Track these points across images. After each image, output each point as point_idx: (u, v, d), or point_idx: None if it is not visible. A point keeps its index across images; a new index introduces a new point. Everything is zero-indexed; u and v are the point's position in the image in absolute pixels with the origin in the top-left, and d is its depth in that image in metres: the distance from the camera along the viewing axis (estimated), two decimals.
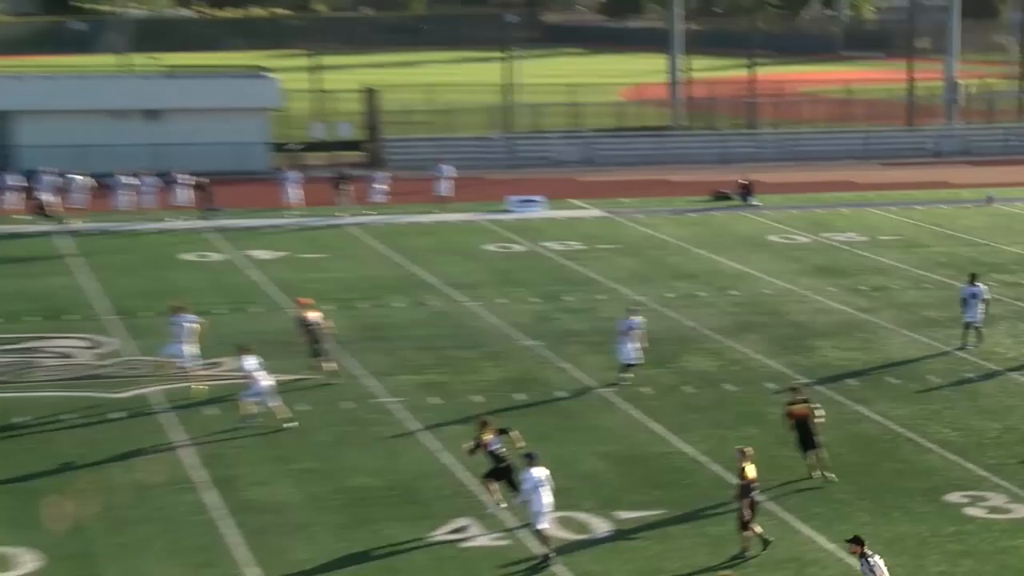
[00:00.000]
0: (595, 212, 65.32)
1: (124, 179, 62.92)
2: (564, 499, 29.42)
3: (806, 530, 27.96)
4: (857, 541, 22.95)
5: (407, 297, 48.18)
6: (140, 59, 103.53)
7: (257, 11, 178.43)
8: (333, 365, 38.63)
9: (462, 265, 53.16)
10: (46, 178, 62.55)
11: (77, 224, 59.90)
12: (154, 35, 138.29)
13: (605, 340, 41.97)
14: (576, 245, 57.18)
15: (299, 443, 33.13)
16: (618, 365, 37.90)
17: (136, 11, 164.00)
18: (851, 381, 38.48)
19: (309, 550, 27.16)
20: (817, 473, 29.93)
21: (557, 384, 38.34)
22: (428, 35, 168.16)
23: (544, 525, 26.13)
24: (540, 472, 26.30)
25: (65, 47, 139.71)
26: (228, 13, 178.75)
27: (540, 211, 64.59)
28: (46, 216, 60.34)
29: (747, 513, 26.27)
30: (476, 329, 44.18)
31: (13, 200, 61.99)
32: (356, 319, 44.94)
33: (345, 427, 34.49)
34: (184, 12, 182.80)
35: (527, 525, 26.69)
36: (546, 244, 57.30)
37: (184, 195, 62.67)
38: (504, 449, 28.79)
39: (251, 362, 34.64)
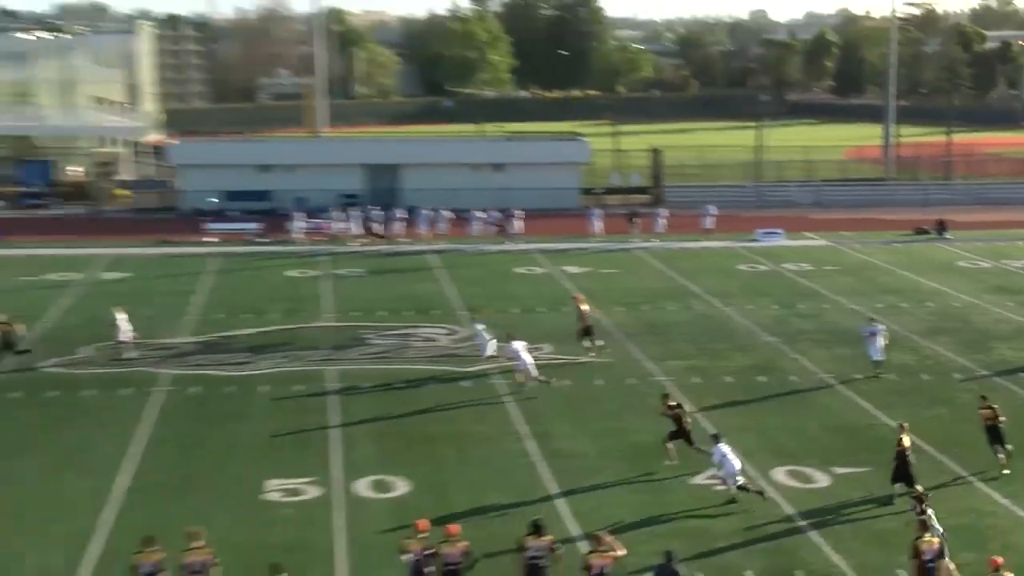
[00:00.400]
0: (822, 242, 63.66)
1: (477, 213, 63.91)
2: (793, 457, 29.12)
3: (984, 488, 26.90)
4: (919, 498, 22.60)
5: (678, 302, 47.62)
6: (490, 127, 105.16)
7: (575, 92, 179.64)
8: (600, 343, 38.96)
9: (720, 280, 52.29)
10: (423, 212, 63.91)
11: (442, 245, 60.93)
12: (501, 110, 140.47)
13: (828, 339, 41.13)
14: (807, 266, 55.75)
15: (595, 408, 33.06)
16: (870, 361, 36.59)
17: (488, 93, 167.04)
18: (1023, 375, 36.64)
19: (601, 486, 27.12)
20: (1007, 469, 28.33)
21: (790, 371, 37.37)
22: (701, 110, 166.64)
23: (741, 480, 25.97)
24: (725, 446, 26.18)
25: (439, 118, 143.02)
26: (554, 94, 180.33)
27: (780, 240, 63.31)
28: (376, 238, 61.78)
29: (897, 472, 25.93)
30: (729, 327, 43.39)
31: (397, 228, 63.40)
32: (639, 318, 44.64)
33: (629, 397, 34.27)
34: (523, 94, 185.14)
35: (723, 481, 26.39)
36: (784, 265, 56.03)
37: (519, 225, 63.21)
38: (686, 416, 28.68)
39: (518, 345, 34.88)
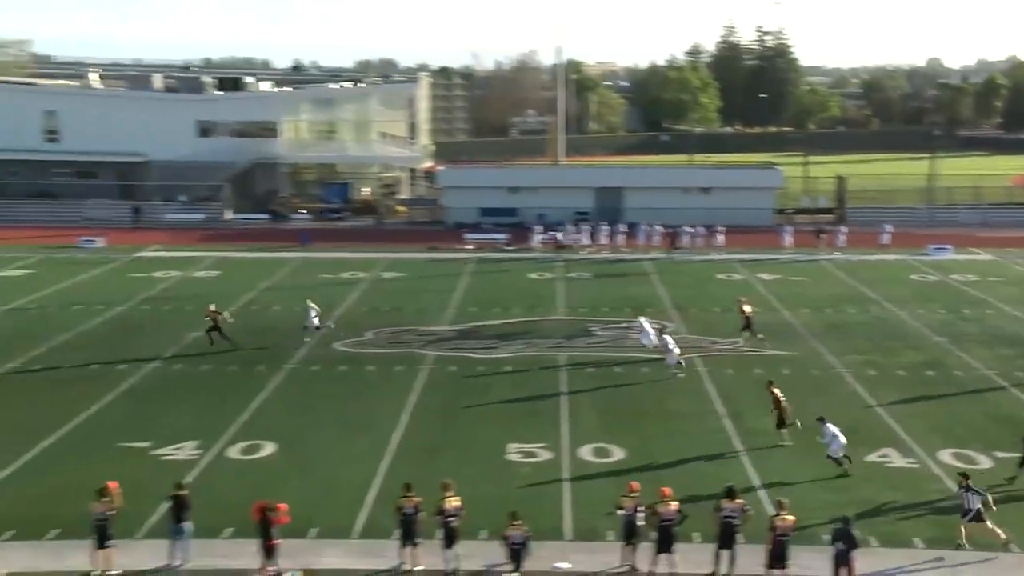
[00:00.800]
0: (987, 256, 60.07)
1: (686, 228, 62.98)
2: (958, 441, 27.76)
3: None
4: (965, 475, 21.81)
5: (857, 306, 45.69)
6: (699, 157, 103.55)
7: (771, 129, 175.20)
8: (760, 337, 38.28)
9: (894, 288, 49.91)
10: (642, 227, 63.50)
11: (657, 255, 60.16)
12: (709, 143, 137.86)
13: (991, 340, 39.02)
14: (973, 277, 52.69)
15: (784, 392, 31.87)
16: None
17: (698, 129, 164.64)
18: None
19: (785, 459, 26.23)
20: None
21: (955, 367, 35.39)
22: (880, 143, 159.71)
23: (840, 454, 25.35)
24: (832, 427, 25.63)
25: (656, 150, 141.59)
26: (753, 130, 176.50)
27: (949, 255, 60.05)
28: (560, 248, 61.28)
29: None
30: (902, 329, 41.36)
31: (622, 240, 63.07)
32: (822, 319, 43.00)
33: (813, 385, 33.13)
34: (727, 129, 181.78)
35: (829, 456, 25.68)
36: (952, 276, 53.09)
37: (721, 239, 62.10)
38: (784, 400, 27.99)
39: (668, 338, 34.82)
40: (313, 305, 39.88)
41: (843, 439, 25.41)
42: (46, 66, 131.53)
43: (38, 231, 67.15)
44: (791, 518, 19.82)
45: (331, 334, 39.21)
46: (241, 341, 37.98)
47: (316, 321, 38.98)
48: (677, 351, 34.33)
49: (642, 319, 38.56)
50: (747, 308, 39.37)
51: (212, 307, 39.23)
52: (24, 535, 21.78)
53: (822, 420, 26.10)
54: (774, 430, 27.78)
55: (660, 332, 36.39)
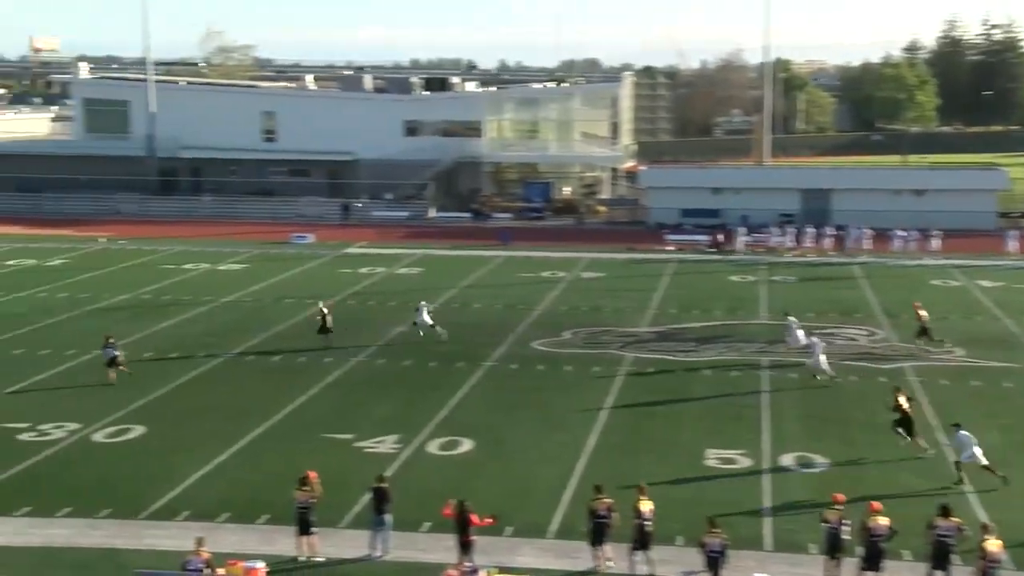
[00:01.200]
0: None
1: (898, 232, 60.49)
2: None
3: None
4: None
5: None
6: (914, 158, 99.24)
7: (995, 128, 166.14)
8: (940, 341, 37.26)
9: None
10: (853, 230, 61.46)
11: (863, 258, 58.07)
12: (924, 143, 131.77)
13: None
14: None
15: (1003, 405, 30.27)
16: None
17: (914, 128, 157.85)
18: None
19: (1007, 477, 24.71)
20: None
21: None
22: None
23: (983, 461, 24.34)
24: (966, 433, 24.63)
25: (867, 150, 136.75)
26: (975, 129, 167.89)
27: None
28: (719, 247, 59.82)
29: None
30: None
31: (829, 243, 61.15)
32: None
33: None
34: (945, 129, 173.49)
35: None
36: None
37: (937, 243, 59.30)
38: (908, 407, 26.69)
39: (816, 340, 34.18)
40: (425, 305, 40.01)
41: (976, 450, 24.29)
42: (267, 69, 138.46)
43: (254, 227, 70.62)
44: (997, 544, 18.59)
45: (527, 333, 39.52)
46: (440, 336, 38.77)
47: (428, 319, 39.04)
48: (823, 356, 33.39)
49: (790, 318, 37.81)
50: (923, 313, 38.15)
51: (323, 305, 39.50)
52: (238, 518, 22.83)
53: (957, 426, 25.09)
54: (891, 430, 26.75)
55: (808, 333, 35.70)
